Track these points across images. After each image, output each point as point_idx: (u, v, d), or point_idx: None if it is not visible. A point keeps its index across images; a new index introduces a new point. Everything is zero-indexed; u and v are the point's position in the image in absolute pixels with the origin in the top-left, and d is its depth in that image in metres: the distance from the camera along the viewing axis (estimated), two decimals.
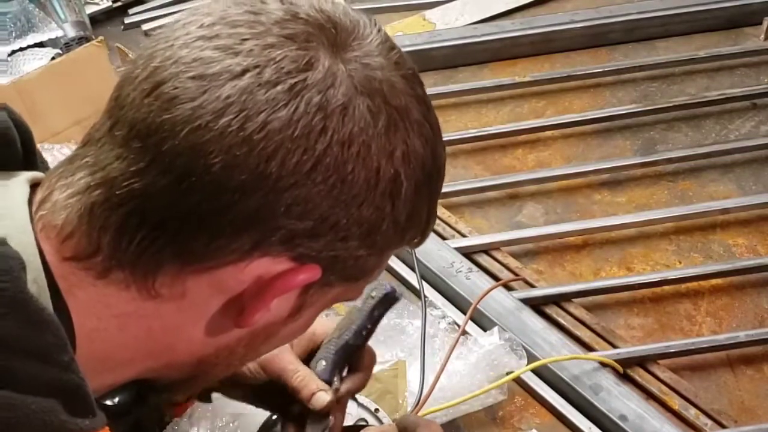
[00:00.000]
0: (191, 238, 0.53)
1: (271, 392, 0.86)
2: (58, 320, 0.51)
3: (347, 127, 0.53)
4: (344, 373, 0.89)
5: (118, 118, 0.54)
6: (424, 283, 1.31)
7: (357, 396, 1.07)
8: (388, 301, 0.90)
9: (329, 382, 0.86)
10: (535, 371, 1.17)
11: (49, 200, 0.55)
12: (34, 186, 0.58)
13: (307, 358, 0.88)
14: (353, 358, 0.89)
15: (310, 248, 0.55)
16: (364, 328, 0.88)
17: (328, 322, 0.91)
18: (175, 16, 0.58)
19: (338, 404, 0.87)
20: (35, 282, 0.52)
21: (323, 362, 0.86)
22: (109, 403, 0.62)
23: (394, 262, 1.37)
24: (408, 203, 0.58)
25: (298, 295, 0.59)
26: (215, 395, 0.89)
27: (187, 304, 0.56)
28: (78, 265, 0.54)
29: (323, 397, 0.84)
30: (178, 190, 0.52)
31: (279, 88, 0.52)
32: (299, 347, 0.88)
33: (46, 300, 0.52)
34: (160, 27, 0.56)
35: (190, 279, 0.55)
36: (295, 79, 0.52)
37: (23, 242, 0.53)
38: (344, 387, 0.88)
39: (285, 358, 0.85)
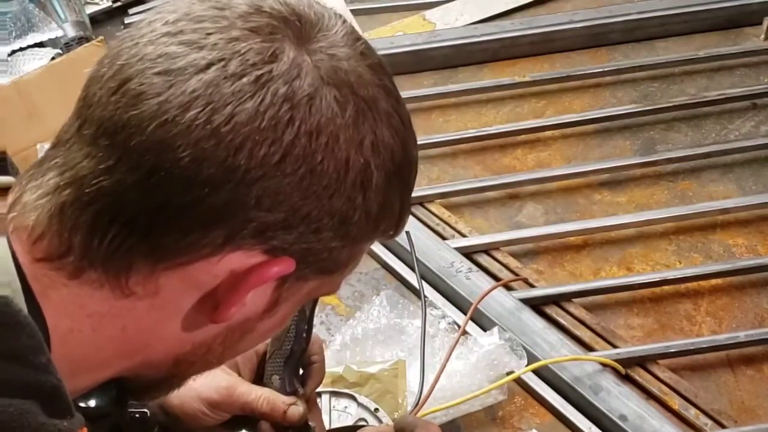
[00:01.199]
0: (162, 235, 0.53)
1: (240, 419, 0.87)
2: (34, 322, 0.50)
3: (314, 117, 0.53)
4: (300, 373, 0.89)
5: (86, 117, 0.54)
6: (424, 283, 1.32)
7: (357, 396, 1.08)
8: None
9: (293, 392, 0.86)
10: (535, 371, 1.17)
11: (20, 202, 0.55)
12: (5, 190, 0.57)
13: (258, 378, 0.88)
14: (303, 360, 0.89)
15: (283, 240, 0.55)
16: (302, 330, 0.88)
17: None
18: (141, 15, 0.58)
19: (309, 406, 0.88)
20: (9, 285, 0.52)
21: (276, 377, 0.87)
22: (88, 404, 0.62)
23: (394, 262, 1.37)
24: (379, 194, 0.58)
25: (273, 289, 0.59)
26: None
27: (161, 301, 0.55)
28: (50, 265, 0.54)
29: (296, 410, 0.84)
30: (147, 185, 0.52)
31: (244, 80, 0.52)
32: (247, 371, 0.88)
33: (20, 302, 0.52)
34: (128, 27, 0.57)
35: (163, 276, 0.54)
36: (261, 71, 0.52)
37: None
38: (308, 388, 0.89)
39: (241, 391, 0.85)
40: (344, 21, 0.59)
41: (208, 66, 0.52)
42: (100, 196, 0.52)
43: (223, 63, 0.52)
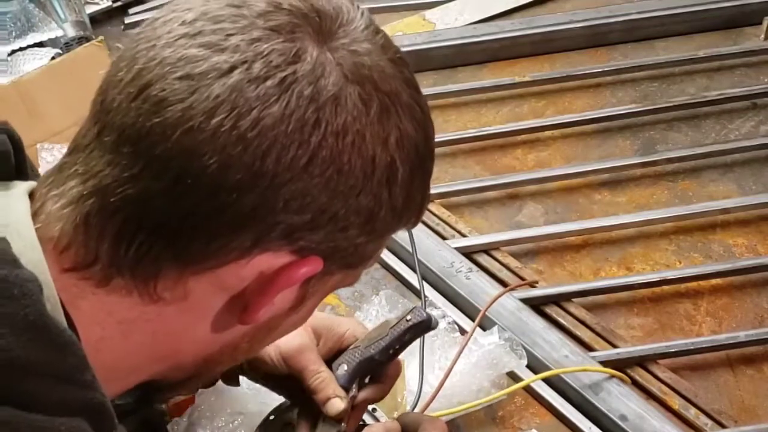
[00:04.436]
0: (190, 240, 0.52)
1: (291, 383, 0.86)
2: (77, 339, 0.50)
3: (341, 117, 0.53)
4: (366, 380, 0.89)
5: (105, 123, 0.53)
6: (424, 282, 1.31)
7: None
8: (421, 328, 0.90)
9: (347, 389, 0.86)
10: (534, 371, 1.17)
11: (43, 212, 0.54)
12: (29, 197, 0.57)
13: (331, 359, 0.88)
14: (376, 370, 0.89)
15: (311, 240, 0.55)
16: (392, 347, 0.88)
17: (360, 327, 0.91)
18: (153, 13, 0.57)
19: (353, 411, 0.87)
20: (48, 300, 0.51)
21: (344, 367, 0.87)
22: (115, 402, 0.62)
23: (394, 263, 1.37)
24: (404, 188, 0.58)
25: (300, 287, 0.59)
26: (214, 393, 0.89)
27: (189, 305, 0.55)
28: (78, 275, 0.53)
29: (338, 404, 0.84)
30: (173, 193, 0.51)
31: (269, 83, 0.51)
32: (325, 347, 0.88)
33: (60, 318, 0.51)
34: (139, 25, 0.55)
35: (192, 280, 0.54)
36: (285, 73, 0.52)
37: (33, 260, 0.52)
38: (361, 395, 0.88)
39: (308, 357, 0.85)
40: (362, 13, 0.58)
41: (231, 69, 0.51)
42: (125, 205, 0.52)
43: (246, 66, 0.51)
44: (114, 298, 0.54)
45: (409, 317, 0.89)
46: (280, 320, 0.62)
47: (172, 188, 0.51)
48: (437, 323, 0.91)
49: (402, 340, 0.88)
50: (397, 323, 0.89)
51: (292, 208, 0.53)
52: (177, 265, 0.53)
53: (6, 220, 0.53)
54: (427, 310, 0.91)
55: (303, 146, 0.52)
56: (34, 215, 0.54)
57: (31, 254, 0.52)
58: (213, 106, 0.50)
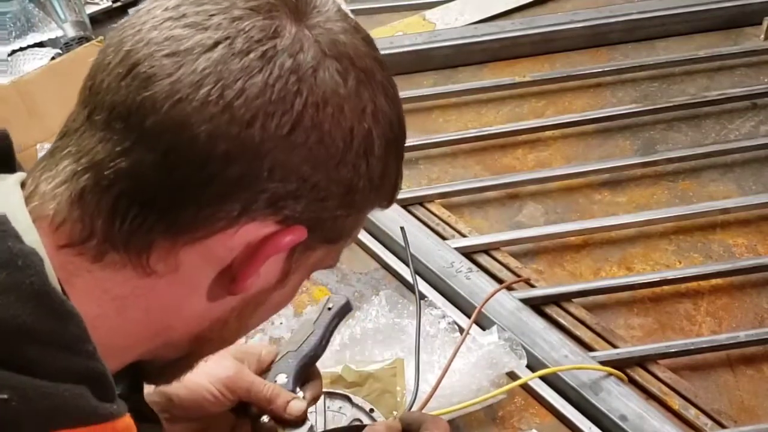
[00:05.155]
0: (180, 210, 0.54)
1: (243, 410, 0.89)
2: (78, 311, 0.52)
3: (320, 88, 0.56)
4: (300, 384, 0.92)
5: (96, 104, 0.56)
6: (424, 283, 1.32)
7: (351, 397, 1.08)
8: (344, 311, 0.94)
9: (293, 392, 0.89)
10: (534, 372, 1.17)
11: (36, 193, 0.56)
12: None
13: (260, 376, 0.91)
14: (312, 366, 0.92)
15: (294, 210, 0.57)
16: (323, 338, 0.92)
17: (270, 346, 0.94)
18: (138, 5, 0.60)
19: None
20: (48, 277, 0.52)
21: (284, 376, 0.89)
22: None
23: (393, 262, 1.37)
24: (380, 161, 0.61)
25: (284, 260, 0.61)
26: None
27: (181, 278, 0.57)
28: (73, 251, 0.55)
29: (299, 403, 0.87)
30: (165, 164, 0.53)
31: (252, 55, 0.54)
32: (251, 368, 0.90)
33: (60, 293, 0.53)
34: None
35: (183, 252, 0.56)
36: (266, 47, 0.55)
37: (31, 241, 0.53)
38: (308, 395, 0.91)
39: (249, 375, 0.88)
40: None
41: (215, 45, 0.54)
42: (119, 178, 0.54)
43: (229, 41, 0.54)
44: (108, 274, 0.55)
45: (330, 305, 0.93)
46: (267, 295, 0.63)
47: (164, 159, 0.53)
48: (353, 304, 0.97)
49: (330, 329, 0.92)
50: (319, 316, 0.92)
51: (277, 177, 0.55)
52: (168, 236, 0.55)
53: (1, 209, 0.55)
54: (347, 295, 0.98)
55: (286, 114, 0.54)
56: (28, 198, 0.56)
57: (27, 238, 0.53)
58: (199, 79, 0.53)
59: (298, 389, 0.89)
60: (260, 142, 0.54)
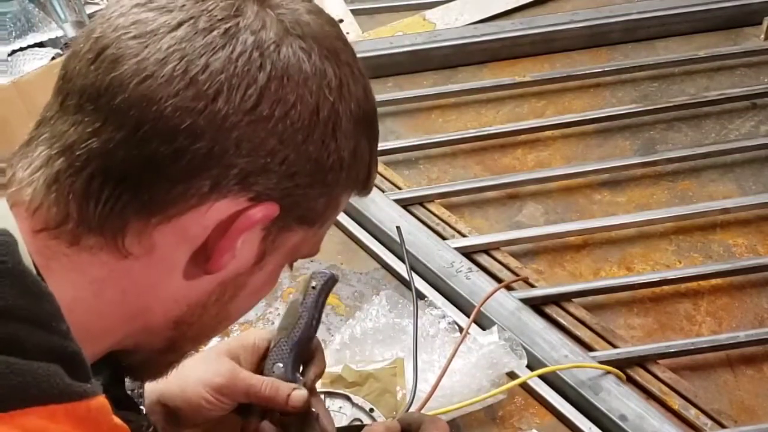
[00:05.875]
0: (152, 188, 0.56)
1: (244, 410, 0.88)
2: (52, 292, 0.52)
3: (283, 62, 0.57)
4: (300, 366, 0.90)
5: (68, 90, 0.57)
6: (424, 282, 1.32)
7: (351, 396, 1.08)
8: (329, 285, 0.93)
9: (293, 380, 0.87)
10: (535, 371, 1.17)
11: (14, 180, 0.57)
12: None
13: (257, 371, 0.89)
14: (307, 348, 0.90)
15: (265, 186, 0.58)
16: (313, 318, 0.90)
17: (262, 332, 0.92)
18: None
19: (312, 397, 0.89)
20: (23, 258, 0.53)
21: (280, 365, 0.88)
22: None
23: (393, 262, 1.37)
24: (350, 139, 0.62)
25: (260, 241, 0.62)
26: None
27: (156, 259, 0.58)
28: (49, 235, 0.56)
29: (300, 394, 0.85)
30: (134, 140, 0.55)
31: (215, 33, 0.56)
32: (247, 363, 0.90)
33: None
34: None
35: (156, 231, 0.57)
36: (228, 24, 0.57)
37: (6, 226, 0.54)
38: (309, 377, 0.90)
39: (245, 376, 0.87)
40: None
41: (179, 25, 0.56)
42: (91, 159, 0.55)
43: (192, 21, 0.56)
44: (84, 257, 0.56)
45: (314, 284, 0.92)
46: (245, 278, 0.64)
47: (133, 136, 0.55)
48: (338, 275, 0.96)
49: (319, 308, 0.91)
50: (305, 297, 0.91)
51: (244, 151, 0.56)
52: (141, 216, 0.56)
53: None
54: (332, 270, 0.96)
55: (250, 88, 0.56)
56: (6, 185, 0.57)
57: (2, 223, 0.54)
58: (164, 56, 0.55)
59: (298, 375, 0.88)
60: (225, 116, 0.55)
